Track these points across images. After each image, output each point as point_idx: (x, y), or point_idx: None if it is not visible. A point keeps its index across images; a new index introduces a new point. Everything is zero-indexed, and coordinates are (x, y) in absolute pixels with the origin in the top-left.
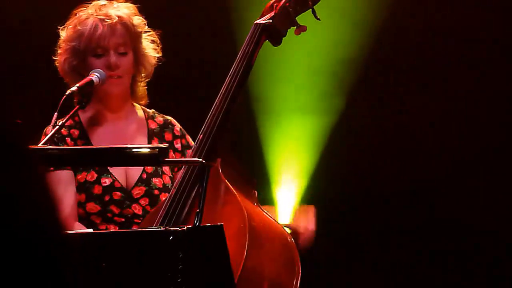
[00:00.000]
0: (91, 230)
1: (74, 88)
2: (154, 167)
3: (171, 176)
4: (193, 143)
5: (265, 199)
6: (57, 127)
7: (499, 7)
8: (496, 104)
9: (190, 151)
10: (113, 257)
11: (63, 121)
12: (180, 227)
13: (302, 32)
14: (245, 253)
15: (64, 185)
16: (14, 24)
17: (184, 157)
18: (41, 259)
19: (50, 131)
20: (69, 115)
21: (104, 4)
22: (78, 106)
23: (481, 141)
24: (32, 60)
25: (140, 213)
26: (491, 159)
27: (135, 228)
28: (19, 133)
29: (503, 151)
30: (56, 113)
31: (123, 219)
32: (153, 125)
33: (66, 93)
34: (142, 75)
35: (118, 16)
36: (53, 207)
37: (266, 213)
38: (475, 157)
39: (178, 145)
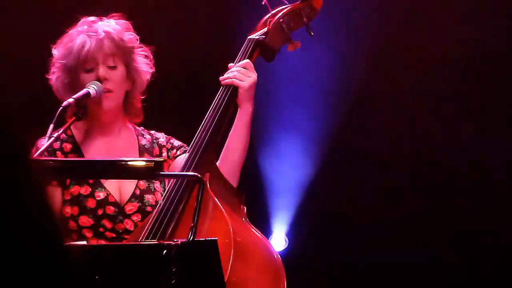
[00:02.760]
0: (84, 242)
1: (70, 100)
2: (146, 184)
3: (162, 193)
4: (179, 143)
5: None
6: (52, 138)
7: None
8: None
9: (175, 150)
10: (107, 270)
11: (58, 133)
12: (174, 241)
13: (296, 48)
14: (229, 268)
15: (50, 195)
16: (12, 35)
17: (170, 160)
18: (42, 269)
19: (42, 143)
20: (64, 127)
21: (94, 21)
22: (74, 118)
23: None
24: (26, 72)
25: (132, 229)
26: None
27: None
28: (23, 144)
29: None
30: (52, 125)
31: (114, 235)
32: (143, 141)
33: (63, 105)
34: (136, 91)
35: (105, 32)
36: (55, 218)
37: (253, 228)
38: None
39: (164, 154)
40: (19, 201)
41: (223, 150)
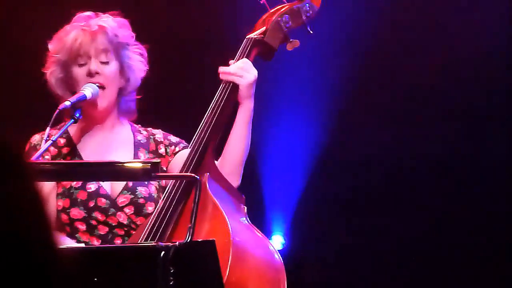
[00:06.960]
0: (82, 245)
1: (67, 103)
2: None
3: (157, 186)
4: (177, 139)
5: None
6: (50, 142)
7: None
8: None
9: (173, 147)
10: (105, 272)
11: (56, 137)
12: (172, 242)
13: (295, 47)
14: (228, 269)
15: (46, 196)
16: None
17: (169, 157)
18: (33, 273)
19: (35, 138)
20: (61, 131)
21: (90, 16)
22: (71, 120)
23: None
24: (20, 72)
25: (125, 222)
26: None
27: (119, 242)
28: (18, 146)
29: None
30: (49, 127)
31: (106, 229)
32: (139, 137)
33: (59, 108)
34: (129, 88)
35: (99, 26)
36: (48, 222)
37: (254, 228)
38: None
39: (161, 150)
40: (13, 204)
41: (224, 148)
